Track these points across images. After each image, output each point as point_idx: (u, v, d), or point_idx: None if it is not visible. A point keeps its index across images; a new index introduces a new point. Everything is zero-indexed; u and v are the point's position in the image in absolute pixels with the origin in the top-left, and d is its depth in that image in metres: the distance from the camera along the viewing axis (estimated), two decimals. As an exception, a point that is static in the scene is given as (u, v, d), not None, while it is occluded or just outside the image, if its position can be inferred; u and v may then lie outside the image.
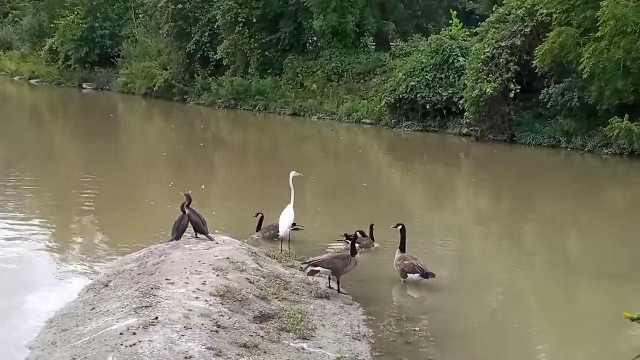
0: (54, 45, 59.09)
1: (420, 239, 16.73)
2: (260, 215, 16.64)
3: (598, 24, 29.68)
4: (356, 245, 14.91)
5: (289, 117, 42.76)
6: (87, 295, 11.68)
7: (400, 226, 13.91)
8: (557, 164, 30.82)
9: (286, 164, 27.44)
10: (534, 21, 33.17)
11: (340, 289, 12.56)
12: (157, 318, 9.50)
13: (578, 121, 31.92)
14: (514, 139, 33.77)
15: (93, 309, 10.65)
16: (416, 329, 11.07)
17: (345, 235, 15.41)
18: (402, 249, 13.77)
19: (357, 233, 13.04)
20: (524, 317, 12.71)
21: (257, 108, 44.54)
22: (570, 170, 29.88)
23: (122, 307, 10.19)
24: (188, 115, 45.44)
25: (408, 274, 13.37)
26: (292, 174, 15.72)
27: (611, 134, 29.62)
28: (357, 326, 11.01)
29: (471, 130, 35.11)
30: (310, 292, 12.09)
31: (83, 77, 57.41)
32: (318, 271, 12.57)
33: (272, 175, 24.47)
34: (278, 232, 15.80)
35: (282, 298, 11.37)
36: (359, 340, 10.44)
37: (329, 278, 12.74)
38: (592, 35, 30.27)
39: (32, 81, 61.15)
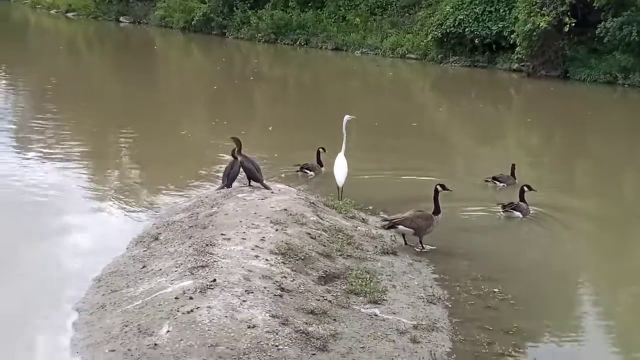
0: (89, -22, 57.87)
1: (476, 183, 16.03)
2: (320, 149, 16.50)
3: (661, -48, 28.06)
4: (501, 183, 15.70)
5: (331, 52, 41.41)
6: (136, 250, 10.87)
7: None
8: (615, 101, 29.54)
9: (334, 103, 26.60)
10: (591, -50, 31.50)
11: (424, 245, 11.74)
12: (215, 280, 8.70)
13: (637, 57, 30.41)
14: (567, 75, 32.34)
15: (144, 267, 9.84)
16: (495, 290, 10.12)
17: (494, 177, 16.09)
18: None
19: (438, 187, 11.99)
20: (600, 275, 11.79)
21: (298, 42, 43.17)
22: (629, 109, 28.57)
23: (176, 267, 9.37)
24: (228, 49, 44.29)
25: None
26: (347, 118, 14.60)
27: (675, 70, 28.23)
28: (431, 287, 10.08)
29: (522, 65, 33.64)
30: (376, 247, 11.19)
31: (120, 11, 56.13)
32: (396, 228, 11.63)
33: (325, 114, 23.52)
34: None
35: (347, 255, 10.49)
36: (435, 304, 9.53)
37: (419, 238, 11.78)
38: (654, -35, 28.65)
39: (69, 14, 60.02)
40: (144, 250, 10.60)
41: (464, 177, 17.13)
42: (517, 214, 13.84)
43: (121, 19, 55.85)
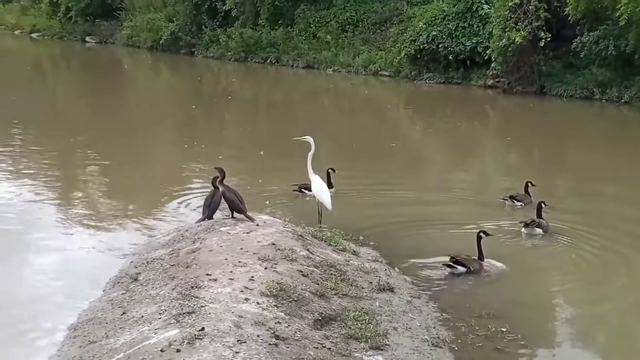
0: (54, -2, 56.83)
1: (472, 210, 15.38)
2: (330, 170, 16.10)
3: (637, -34, 27.77)
4: (519, 202, 15.48)
5: (302, 70, 40.86)
6: (114, 292, 10.05)
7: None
8: (593, 117, 29.20)
9: (312, 123, 25.77)
10: (565, -35, 31.21)
11: None
12: (203, 329, 7.92)
13: (613, 71, 30.25)
14: (544, 90, 32.06)
15: (124, 313, 9.02)
16: (503, 329, 9.42)
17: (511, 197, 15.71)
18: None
19: (481, 234, 12.12)
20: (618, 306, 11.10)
21: (268, 61, 42.62)
22: (608, 123, 28.25)
23: (160, 313, 8.59)
24: (199, 68, 43.51)
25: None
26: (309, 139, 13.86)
27: (654, 85, 27.98)
28: (434, 328, 9.37)
29: (497, 81, 33.34)
30: (371, 283, 10.44)
31: (85, 31, 55.31)
32: (456, 268, 11.60)
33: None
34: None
35: (343, 294, 9.73)
36: (440, 347, 8.80)
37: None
38: (630, -20, 28.35)
39: (34, 35, 59.00)
40: (123, 294, 9.79)
41: (462, 197, 16.60)
42: (539, 230, 13.77)
43: (87, 39, 55.05)
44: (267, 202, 15.35)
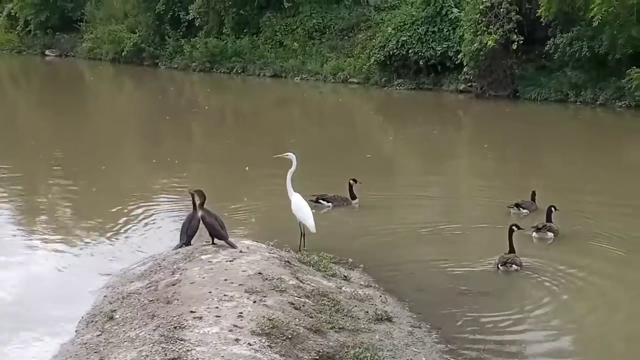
0: (12, 11, 55.41)
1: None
2: (352, 182, 15.77)
3: (609, -34, 27.34)
4: (524, 209, 15.20)
5: (270, 79, 39.95)
6: (88, 333, 9.12)
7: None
8: (568, 120, 28.69)
9: (289, 134, 24.92)
10: (536, -35, 30.73)
11: None
12: (191, 378, 7.10)
13: (587, 73, 29.80)
14: (517, 94, 31.53)
15: (101, 359, 8.16)
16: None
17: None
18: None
19: (513, 227, 12.41)
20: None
21: (234, 70, 41.69)
22: (583, 126, 27.76)
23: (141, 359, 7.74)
24: (162, 80, 42.37)
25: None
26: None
27: (629, 86, 27.49)
28: (442, 363, 8.65)
29: (469, 86, 32.77)
30: (367, 312, 9.62)
31: (45, 44, 53.96)
32: (511, 265, 12.05)
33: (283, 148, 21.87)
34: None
35: (339, 327, 8.90)
36: (452, 386, 8.10)
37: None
38: (602, -20, 27.89)
39: (-10, 49, 57.63)
40: (98, 335, 8.87)
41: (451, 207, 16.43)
42: (551, 234, 13.67)
43: (47, 52, 53.83)
44: (254, 220, 14.61)
